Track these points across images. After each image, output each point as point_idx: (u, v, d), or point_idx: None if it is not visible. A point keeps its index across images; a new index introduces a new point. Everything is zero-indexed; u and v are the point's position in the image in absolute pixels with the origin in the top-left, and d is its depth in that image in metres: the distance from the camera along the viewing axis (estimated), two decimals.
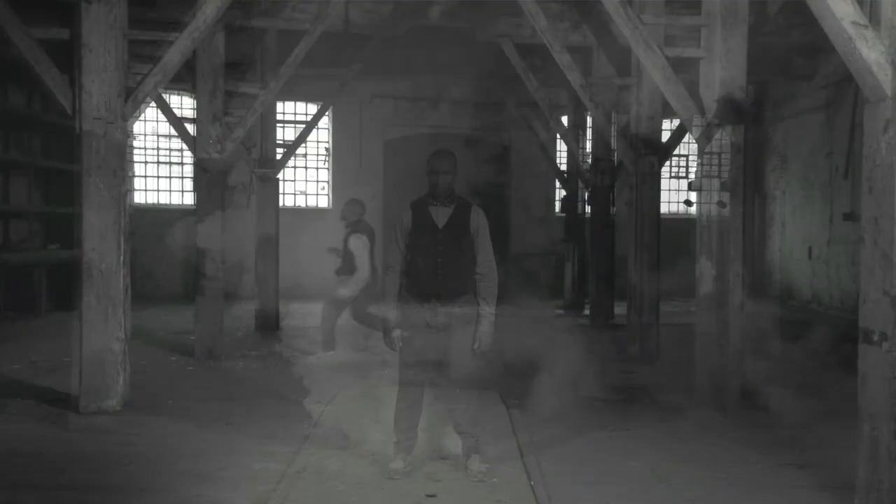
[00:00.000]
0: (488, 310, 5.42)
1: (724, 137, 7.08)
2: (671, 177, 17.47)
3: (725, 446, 6.26)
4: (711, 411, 7.03)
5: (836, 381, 7.58)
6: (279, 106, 15.59)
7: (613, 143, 12.09)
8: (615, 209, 13.13)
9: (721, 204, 7.14)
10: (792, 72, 14.96)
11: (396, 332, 5.47)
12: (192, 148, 10.09)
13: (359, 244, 9.49)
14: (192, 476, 5.40)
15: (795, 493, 5.28)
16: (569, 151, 15.00)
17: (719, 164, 7.11)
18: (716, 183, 7.15)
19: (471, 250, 5.46)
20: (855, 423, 4.47)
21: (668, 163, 11.86)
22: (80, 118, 6.87)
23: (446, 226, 5.45)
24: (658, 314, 9.97)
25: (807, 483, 5.43)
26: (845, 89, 13.93)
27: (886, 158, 4.24)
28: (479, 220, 5.47)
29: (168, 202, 17.47)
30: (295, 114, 17.84)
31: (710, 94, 7.14)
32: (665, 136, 10.59)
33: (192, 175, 16.11)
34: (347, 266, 9.59)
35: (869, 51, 4.19)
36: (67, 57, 7.03)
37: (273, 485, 5.22)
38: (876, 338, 4.28)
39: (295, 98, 17.20)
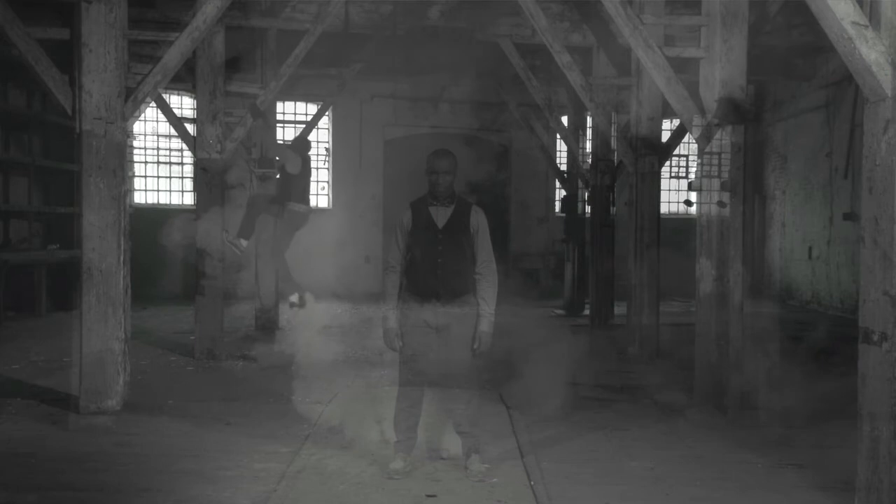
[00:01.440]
0: (488, 310, 5.42)
1: (724, 137, 7.08)
2: (671, 177, 17.49)
3: (725, 446, 6.26)
4: (711, 411, 7.03)
5: (835, 381, 7.58)
6: (279, 106, 15.59)
7: (613, 143, 12.08)
8: (615, 209, 13.11)
9: (721, 204, 7.14)
10: (792, 72, 14.97)
11: (396, 332, 5.48)
12: (192, 148, 10.10)
13: (290, 155, 10.67)
14: (192, 476, 5.40)
15: (795, 493, 5.28)
16: (569, 151, 14.98)
17: (719, 164, 7.10)
18: (716, 183, 7.15)
19: (471, 250, 5.46)
20: (855, 423, 4.47)
21: (668, 163, 11.86)
22: (80, 118, 6.85)
23: (446, 226, 5.45)
24: (658, 314, 9.97)
25: (807, 483, 5.43)
26: (845, 89, 13.95)
27: (886, 158, 4.23)
28: (478, 220, 5.48)
29: (168, 202, 17.47)
30: (295, 114, 17.84)
31: (710, 94, 7.13)
32: (665, 136, 10.59)
33: (192, 175, 16.11)
34: (284, 191, 10.76)
35: (869, 51, 4.19)
36: (67, 57, 7.03)
37: (273, 485, 5.22)
38: (876, 338, 4.27)
39: (295, 98, 17.21)
